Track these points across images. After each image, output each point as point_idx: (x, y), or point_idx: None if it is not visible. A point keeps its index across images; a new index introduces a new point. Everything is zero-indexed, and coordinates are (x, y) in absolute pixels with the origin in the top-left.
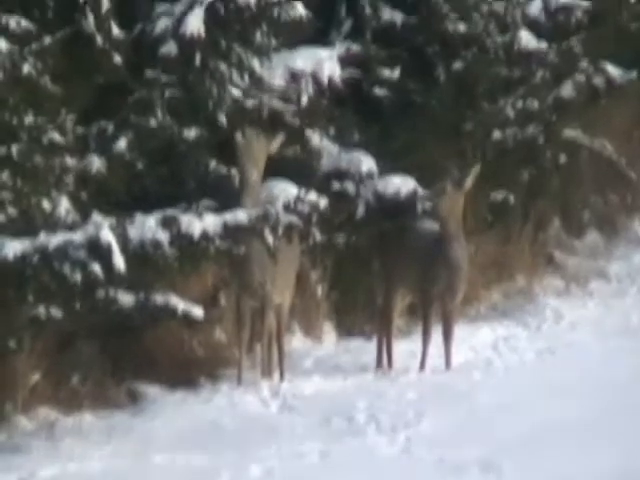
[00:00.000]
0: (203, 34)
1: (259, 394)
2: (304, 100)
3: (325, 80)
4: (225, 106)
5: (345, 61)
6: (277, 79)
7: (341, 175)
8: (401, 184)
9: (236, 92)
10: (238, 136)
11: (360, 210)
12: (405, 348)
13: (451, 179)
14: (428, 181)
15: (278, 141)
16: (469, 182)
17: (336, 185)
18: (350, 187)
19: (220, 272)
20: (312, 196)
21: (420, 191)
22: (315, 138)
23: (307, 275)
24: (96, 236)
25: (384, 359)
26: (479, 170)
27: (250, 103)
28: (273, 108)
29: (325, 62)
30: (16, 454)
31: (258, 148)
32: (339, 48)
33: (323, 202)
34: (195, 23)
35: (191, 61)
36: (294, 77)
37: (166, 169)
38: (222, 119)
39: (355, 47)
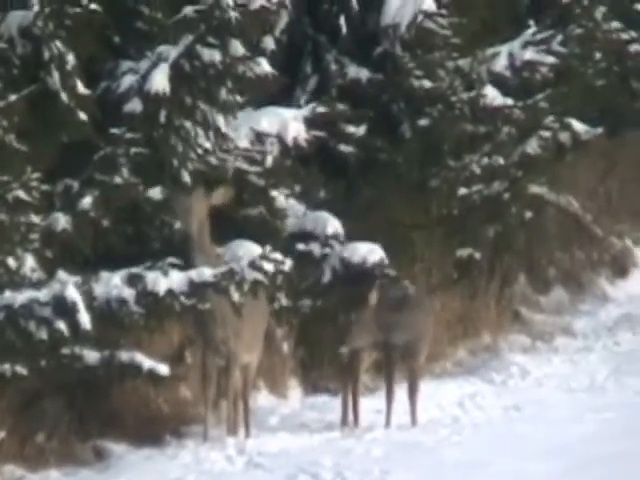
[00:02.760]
0: (168, 91)
1: (225, 451)
2: (269, 161)
3: (290, 141)
4: (189, 164)
5: (311, 122)
6: (242, 139)
7: (306, 237)
8: (368, 253)
9: (201, 151)
10: (174, 195)
11: (326, 276)
12: (371, 405)
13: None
14: (394, 237)
15: (221, 193)
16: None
17: (301, 246)
18: (316, 249)
19: (186, 329)
20: (277, 256)
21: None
22: (280, 199)
23: (273, 332)
24: (62, 294)
25: (350, 416)
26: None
27: (215, 162)
28: (238, 168)
29: (290, 123)
30: None
31: (194, 202)
32: (304, 108)
33: (288, 263)
34: (160, 80)
35: (156, 118)
36: (259, 138)
37: (131, 227)
38: (186, 178)
39: (321, 107)
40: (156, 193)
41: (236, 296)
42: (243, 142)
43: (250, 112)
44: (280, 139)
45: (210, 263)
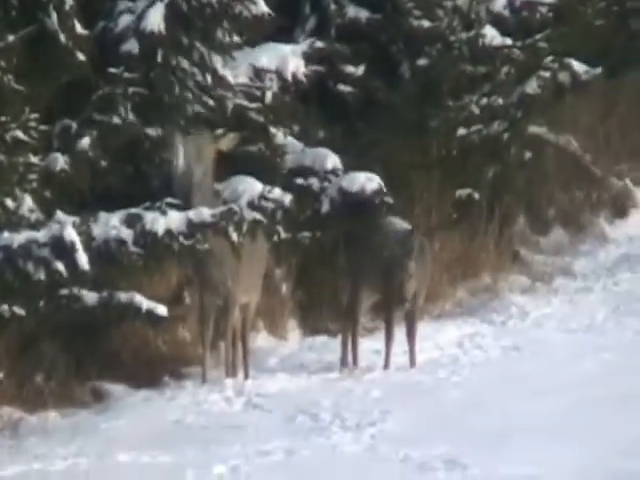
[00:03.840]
0: (164, 31)
1: (223, 392)
2: (268, 97)
3: (289, 77)
4: (188, 105)
5: (309, 57)
6: (241, 77)
7: (305, 172)
8: (366, 181)
9: (198, 91)
10: (177, 136)
11: (325, 206)
12: (370, 346)
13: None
14: (393, 178)
15: (229, 139)
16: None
17: (300, 182)
18: (315, 184)
19: (184, 270)
20: (276, 193)
21: (385, 189)
22: (279, 135)
23: (272, 273)
24: (60, 234)
25: (349, 357)
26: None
27: (212, 102)
28: (237, 105)
29: (289, 59)
30: None
31: (202, 146)
32: (303, 45)
33: (287, 198)
34: (156, 19)
35: (153, 58)
36: (258, 74)
37: (130, 167)
38: (185, 117)
39: (320, 43)
40: (155, 131)
41: (235, 236)
42: (242, 79)
43: (249, 49)
44: (279, 74)
45: (210, 203)
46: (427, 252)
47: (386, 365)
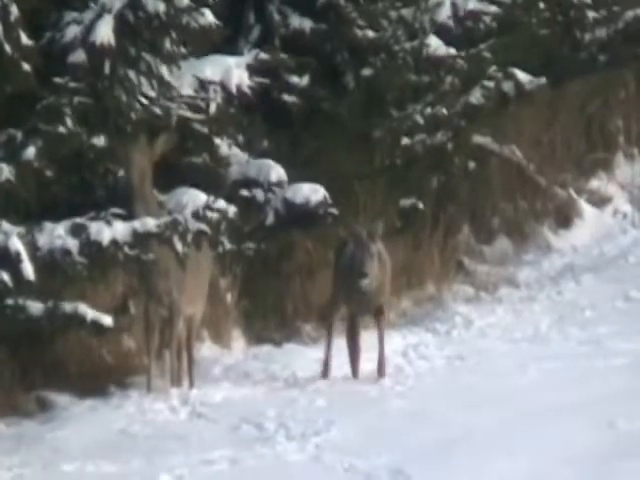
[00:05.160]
0: (112, 42)
1: (168, 401)
2: (212, 108)
3: (233, 89)
4: (133, 114)
5: (254, 69)
6: (186, 88)
7: (250, 183)
8: (310, 193)
9: (145, 100)
10: (117, 144)
11: (269, 218)
12: (314, 356)
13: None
14: (338, 188)
15: (162, 142)
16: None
17: (245, 193)
18: (259, 195)
19: (129, 280)
20: (221, 204)
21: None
22: (224, 146)
23: (216, 283)
24: (5, 245)
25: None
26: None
27: (158, 111)
28: (181, 116)
29: (233, 70)
30: None
31: (139, 153)
32: (248, 56)
33: (232, 210)
34: (105, 31)
35: (100, 69)
36: (202, 85)
37: (75, 177)
38: (130, 127)
39: (264, 55)
40: (100, 141)
41: (179, 247)
42: (187, 90)
43: (194, 61)
44: (223, 86)
45: (152, 212)
46: (386, 260)
47: (324, 375)
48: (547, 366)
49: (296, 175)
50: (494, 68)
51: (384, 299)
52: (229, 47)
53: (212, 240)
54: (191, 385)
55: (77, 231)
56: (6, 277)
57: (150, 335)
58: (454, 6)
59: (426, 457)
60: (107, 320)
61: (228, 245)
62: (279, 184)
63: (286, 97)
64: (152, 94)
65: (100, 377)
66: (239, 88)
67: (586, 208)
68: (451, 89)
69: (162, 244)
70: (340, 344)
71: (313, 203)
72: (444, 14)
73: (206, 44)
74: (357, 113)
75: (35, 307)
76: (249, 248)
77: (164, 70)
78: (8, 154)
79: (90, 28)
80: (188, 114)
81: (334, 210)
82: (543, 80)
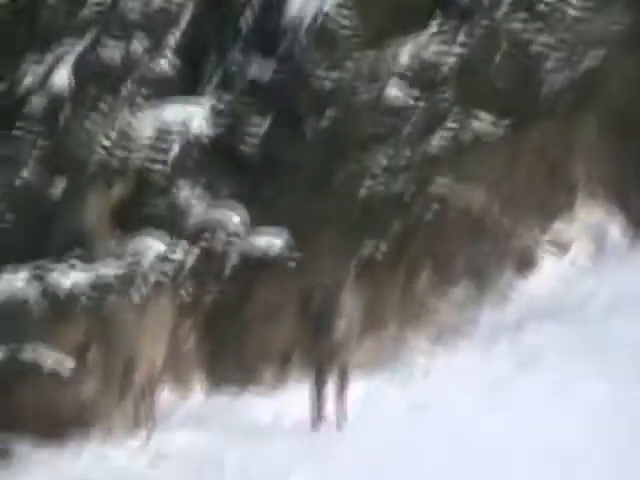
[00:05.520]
0: (72, 87)
1: (128, 448)
2: (172, 154)
3: (193, 135)
4: (92, 159)
5: (214, 115)
6: (145, 132)
7: (210, 228)
8: (271, 238)
9: (103, 146)
10: (74, 191)
11: (230, 263)
12: (275, 401)
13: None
14: (298, 231)
15: (119, 188)
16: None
17: (205, 239)
18: (220, 240)
19: (89, 327)
20: (180, 253)
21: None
22: (183, 192)
23: (176, 327)
24: None
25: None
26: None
27: (117, 156)
28: (140, 162)
29: (194, 117)
30: None
31: (96, 199)
32: (207, 103)
33: (191, 258)
34: (63, 78)
35: (59, 115)
36: (162, 130)
37: (35, 223)
38: (89, 173)
39: (225, 99)
40: (58, 189)
41: (137, 298)
42: (146, 135)
43: (154, 106)
44: (183, 132)
45: (109, 260)
46: (353, 309)
47: (317, 421)
48: (510, 413)
49: (257, 218)
50: (454, 114)
51: (350, 352)
52: (190, 90)
53: (171, 289)
54: (151, 431)
55: (36, 277)
56: None
57: (110, 381)
58: (413, 54)
59: None
60: (67, 365)
61: (186, 295)
62: (239, 230)
63: (245, 143)
64: (110, 139)
65: (60, 424)
66: (199, 134)
67: (547, 253)
68: (410, 136)
69: (120, 296)
70: (301, 390)
71: (274, 249)
72: (404, 61)
73: (165, 89)
74: (316, 158)
75: None
76: (210, 292)
77: (124, 114)
78: None
79: (48, 76)
80: (148, 160)
81: (296, 254)
82: (503, 125)
